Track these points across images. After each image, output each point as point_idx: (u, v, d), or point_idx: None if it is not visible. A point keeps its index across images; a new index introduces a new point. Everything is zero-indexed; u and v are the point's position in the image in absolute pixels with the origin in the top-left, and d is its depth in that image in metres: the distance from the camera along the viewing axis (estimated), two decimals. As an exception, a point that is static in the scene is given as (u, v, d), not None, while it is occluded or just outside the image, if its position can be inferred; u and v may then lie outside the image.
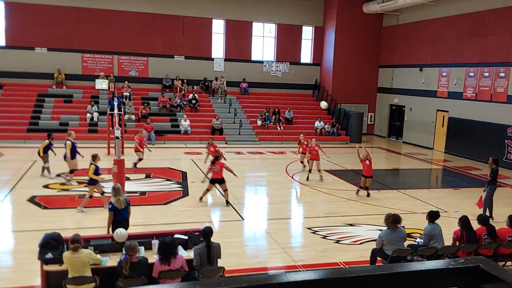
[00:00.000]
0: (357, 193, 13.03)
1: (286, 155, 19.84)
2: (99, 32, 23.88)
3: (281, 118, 24.36)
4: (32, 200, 11.32)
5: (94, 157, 10.49)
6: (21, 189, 12.24)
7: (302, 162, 16.40)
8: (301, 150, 16.29)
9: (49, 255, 6.41)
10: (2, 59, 22.66)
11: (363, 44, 26.72)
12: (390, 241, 7.39)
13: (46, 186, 12.64)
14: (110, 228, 7.76)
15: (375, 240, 8.05)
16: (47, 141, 13.69)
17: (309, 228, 10.18)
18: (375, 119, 27.88)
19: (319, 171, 14.72)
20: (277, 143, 22.78)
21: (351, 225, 10.52)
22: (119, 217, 7.78)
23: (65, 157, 13.04)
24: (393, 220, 7.40)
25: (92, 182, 10.55)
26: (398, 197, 13.45)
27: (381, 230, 8.00)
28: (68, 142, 12.98)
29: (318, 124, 24.18)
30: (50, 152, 13.76)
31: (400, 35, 25.46)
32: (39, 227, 9.15)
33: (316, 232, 9.93)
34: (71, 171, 13.07)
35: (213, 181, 11.46)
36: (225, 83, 25.20)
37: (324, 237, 9.68)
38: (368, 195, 12.90)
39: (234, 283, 1.06)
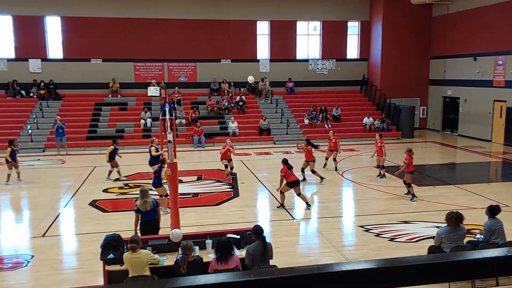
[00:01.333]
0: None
1: (337, 156, 19.61)
2: (149, 41, 24.72)
3: (328, 116, 24.15)
4: (93, 204, 11.92)
5: (163, 162, 10.69)
6: (83, 194, 12.91)
7: (334, 160, 16.29)
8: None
9: (111, 256, 6.75)
10: (60, 71, 23.98)
11: (412, 36, 25.97)
12: (449, 239, 7.15)
13: (105, 191, 13.26)
14: (138, 229, 8.03)
15: (432, 237, 7.84)
16: (112, 147, 14.32)
17: (361, 226, 10.06)
18: (427, 113, 27.00)
19: (334, 159, 15.80)
20: (325, 141, 22.54)
21: (405, 222, 10.29)
22: (145, 219, 8.02)
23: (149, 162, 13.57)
24: (455, 219, 7.11)
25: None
26: (454, 192, 12.99)
27: (438, 227, 7.79)
28: (153, 148, 13.52)
29: (367, 120, 23.75)
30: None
31: (451, 24, 24.52)
32: (100, 230, 9.64)
33: (369, 230, 9.80)
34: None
35: (291, 185, 11.18)
36: (267, 83, 25.35)
37: (378, 235, 9.54)
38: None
39: (287, 272, 1.12)
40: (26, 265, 8.13)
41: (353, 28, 27.52)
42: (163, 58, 25.14)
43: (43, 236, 9.64)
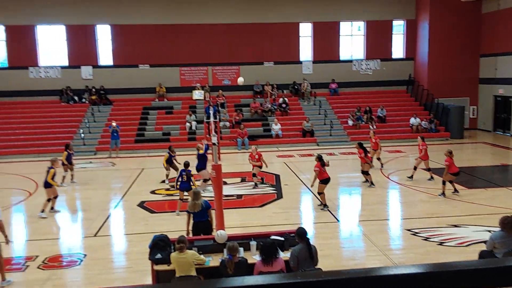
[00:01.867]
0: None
1: (380, 155, 19.24)
2: (194, 46, 25.24)
3: (373, 116, 23.71)
4: (141, 205, 12.30)
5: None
6: (132, 195, 13.35)
7: (378, 159, 16.04)
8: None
9: (158, 256, 6.94)
10: (110, 77, 24.93)
11: (460, 33, 25.06)
12: (503, 244, 6.84)
13: (153, 192, 13.65)
14: (190, 229, 8.30)
15: (484, 242, 7.55)
16: (167, 154, 14.67)
17: (408, 230, 9.82)
18: (478, 112, 25.94)
19: (378, 158, 15.65)
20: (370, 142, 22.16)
21: (455, 226, 9.95)
22: (196, 219, 8.23)
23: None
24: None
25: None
26: (507, 195, 12.42)
27: (490, 231, 7.48)
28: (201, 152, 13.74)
29: (413, 120, 23.13)
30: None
31: (503, 21, 23.46)
32: (148, 230, 9.94)
33: (417, 234, 9.55)
34: (205, 180, 13.67)
35: (325, 182, 11.33)
36: (306, 84, 25.25)
37: (426, 239, 9.28)
38: None
39: (334, 275, 1.13)
40: (79, 264, 8.50)
41: (399, 27, 26.91)
42: (207, 62, 25.59)
43: (95, 236, 10.05)
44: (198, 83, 25.48)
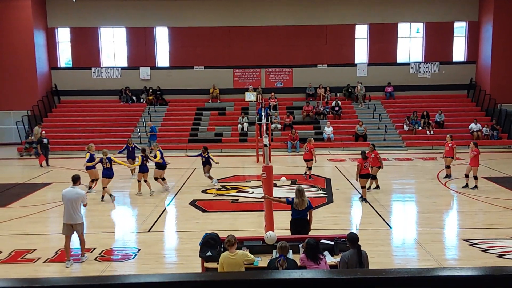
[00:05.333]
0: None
1: (437, 161, 18.56)
2: (248, 48, 25.52)
3: (430, 121, 22.88)
4: (193, 203, 12.58)
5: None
6: (184, 194, 13.68)
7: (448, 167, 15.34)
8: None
9: (209, 253, 7.07)
10: (167, 78, 25.71)
11: (528, 35, 23.66)
12: None
13: (204, 191, 13.92)
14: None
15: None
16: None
17: (466, 240, 9.38)
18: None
19: (448, 167, 15.13)
20: (426, 148, 21.45)
21: (517, 238, 9.39)
22: (296, 216, 8.21)
23: (157, 165, 14.10)
24: None
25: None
26: None
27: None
28: (157, 153, 14.05)
29: (473, 126, 22.09)
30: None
31: None
32: (199, 228, 10.14)
33: (475, 245, 9.11)
34: (156, 179, 14.01)
35: (364, 177, 12.11)
36: (359, 87, 24.78)
37: (485, 250, 8.83)
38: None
39: (371, 273, 1.12)
40: (133, 258, 8.81)
41: (460, 29, 25.82)
42: (260, 64, 25.78)
43: (148, 231, 10.38)
44: (250, 85, 25.72)
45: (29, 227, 10.56)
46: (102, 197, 12.88)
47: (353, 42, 25.84)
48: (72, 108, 25.27)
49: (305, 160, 15.40)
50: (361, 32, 25.88)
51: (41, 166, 17.68)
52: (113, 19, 25.28)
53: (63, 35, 25.83)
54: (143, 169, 13.61)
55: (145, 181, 13.64)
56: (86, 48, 25.61)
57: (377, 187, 13.74)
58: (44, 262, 8.48)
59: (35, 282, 1.21)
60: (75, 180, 8.62)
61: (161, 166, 13.91)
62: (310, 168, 15.24)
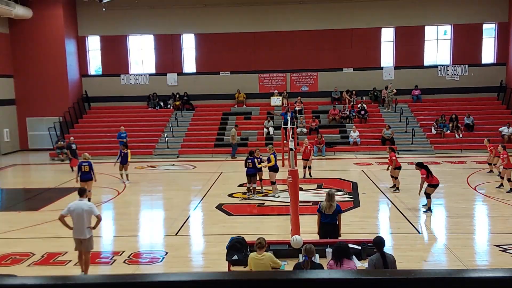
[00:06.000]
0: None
1: (467, 165, 18.17)
2: (273, 53, 25.61)
3: (459, 125, 22.40)
4: (219, 207, 12.68)
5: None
6: (211, 198, 13.81)
7: (493, 165, 15.15)
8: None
9: (235, 257, 7.13)
10: (194, 84, 26.05)
11: (563, 35, 22.93)
12: None
13: (231, 195, 14.01)
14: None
15: None
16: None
17: (497, 246, 9.15)
18: None
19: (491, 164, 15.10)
20: (455, 152, 21.00)
21: (551, 245, 9.10)
22: (325, 220, 8.20)
23: (270, 168, 13.87)
24: None
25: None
26: None
27: None
28: (272, 156, 13.78)
29: (506, 130, 21.50)
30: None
31: None
32: (225, 232, 10.21)
33: (507, 250, 8.88)
34: (273, 183, 13.83)
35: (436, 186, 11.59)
36: (386, 91, 24.48)
37: (517, 256, 8.59)
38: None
39: (400, 274, 1.13)
40: (161, 261, 8.94)
41: (489, 30, 25.23)
42: (286, 68, 25.82)
43: (175, 235, 10.53)
44: (276, 89, 25.78)
45: (60, 230, 10.81)
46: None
47: (379, 45, 25.59)
48: (101, 114, 25.87)
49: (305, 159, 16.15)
50: (387, 35, 25.61)
51: (72, 170, 18.14)
52: (142, 27, 25.80)
53: (93, 43, 26.51)
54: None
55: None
56: (115, 56, 26.20)
57: (397, 189, 13.68)
58: (74, 264, 8.71)
59: (68, 280, 1.26)
60: (82, 192, 8.31)
61: (274, 169, 13.63)
62: (309, 167, 16.21)
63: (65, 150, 21.33)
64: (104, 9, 23.85)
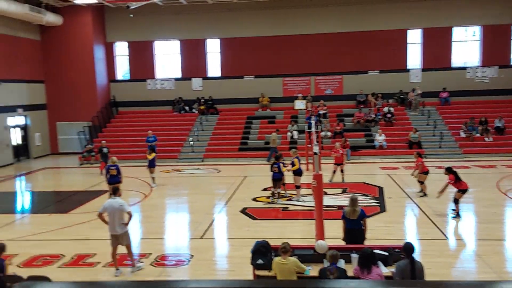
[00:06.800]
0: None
1: (497, 169, 17.69)
2: (298, 56, 25.58)
3: (489, 128, 21.85)
4: (243, 211, 12.72)
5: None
6: (235, 201, 13.87)
7: None
8: None
9: (260, 261, 7.14)
10: (218, 88, 26.26)
11: None
12: None
13: (255, 199, 14.04)
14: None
15: None
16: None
17: (529, 253, 8.88)
18: None
19: None
20: (485, 155, 20.48)
21: None
22: (350, 226, 8.13)
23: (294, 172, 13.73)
24: None
25: None
26: None
27: None
28: (295, 160, 13.68)
29: (538, 133, 20.85)
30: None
31: None
32: (250, 236, 10.24)
33: (539, 258, 8.60)
34: (298, 187, 13.77)
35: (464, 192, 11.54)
36: (413, 93, 24.08)
37: (550, 264, 8.32)
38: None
39: (431, 285, 1.13)
40: (186, 264, 9.04)
41: (520, 30, 24.57)
42: (310, 72, 25.75)
43: (200, 238, 10.62)
44: (300, 93, 25.72)
45: (89, 233, 11.11)
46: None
47: (405, 47, 25.24)
48: (128, 118, 26.34)
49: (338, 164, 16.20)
50: (414, 36, 25.24)
51: (101, 173, 18.51)
52: (167, 32, 26.19)
53: (121, 49, 27.05)
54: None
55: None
56: (142, 61, 26.66)
57: (424, 194, 13.44)
58: (103, 266, 8.90)
59: (94, 285, 1.30)
60: (115, 191, 8.82)
61: (298, 173, 13.57)
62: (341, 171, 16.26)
63: (93, 154, 21.82)
64: (131, 16, 24.31)
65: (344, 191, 14.77)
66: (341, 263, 6.81)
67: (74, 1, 22.67)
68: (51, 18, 23.93)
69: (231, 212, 12.85)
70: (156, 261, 9.15)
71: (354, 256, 6.97)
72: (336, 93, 25.77)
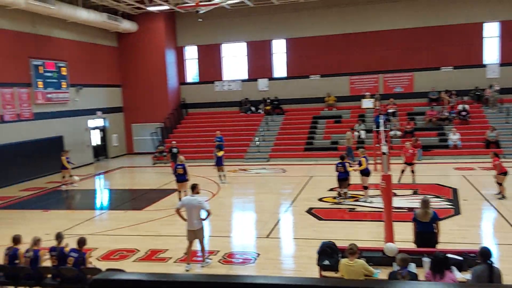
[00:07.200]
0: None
1: None
2: (365, 54, 25.01)
3: None
4: (309, 211, 12.68)
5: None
6: (301, 201, 13.86)
7: None
8: None
9: (326, 262, 7.10)
10: (284, 89, 26.35)
11: None
12: None
13: (321, 200, 13.94)
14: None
15: None
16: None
17: None
18: None
19: None
20: None
21: None
22: (421, 229, 7.86)
23: (362, 172, 13.51)
24: None
25: None
26: None
27: None
28: (363, 159, 13.43)
29: None
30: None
31: None
32: (316, 236, 10.20)
33: None
34: (366, 187, 13.49)
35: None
36: (497, 89, 22.56)
37: None
38: None
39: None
40: (253, 262, 9.18)
41: None
42: (378, 69, 25.07)
43: (267, 237, 10.74)
44: (367, 91, 25.12)
45: (162, 229, 11.64)
46: (180, 199, 13.24)
47: (480, 41, 23.81)
48: (197, 119, 27.20)
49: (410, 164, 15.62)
50: (490, 30, 23.72)
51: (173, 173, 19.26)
52: (234, 34, 26.72)
53: (190, 52, 27.99)
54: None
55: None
56: (210, 63, 27.41)
57: (503, 196, 12.68)
58: (174, 262, 9.28)
59: (168, 277, 1.40)
60: (193, 188, 9.15)
61: (366, 173, 13.33)
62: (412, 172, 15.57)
63: (164, 154, 22.78)
64: (200, 20, 25.09)
65: (415, 193, 14.24)
66: (412, 267, 6.60)
67: (148, 9, 23.79)
68: (127, 26, 25.31)
69: (297, 212, 12.86)
70: (224, 258, 9.39)
71: (426, 260, 6.72)
72: (406, 90, 24.88)
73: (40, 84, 20.49)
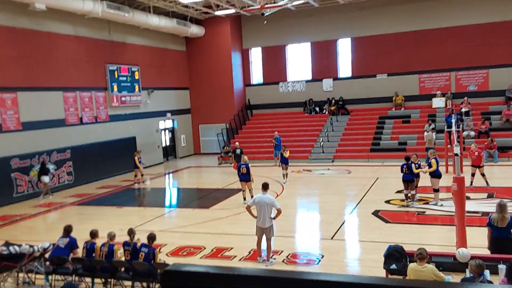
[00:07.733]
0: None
1: None
2: (436, 51, 23.96)
3: None
4: (376, 213, 12.39)
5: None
6: (366, 203, 13.58)
7: None
8: None
9: (393, 266, 6.94)
10: (349, 88, 25.92)
11: None
12: None
13: (387, 202, 13.56)
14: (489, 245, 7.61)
15: None
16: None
17: None
18: None
19: None
20: None
21: None
22: (498, 235, 7.49)
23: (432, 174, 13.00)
24: None
25: None
26: None
27: None
28: (433, 161, 12.84)
29: None
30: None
31: None
32: (382, 239, 9.94)
33: None
34: (436, 190, 12.87)
35: None
36: None
37: None
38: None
39: None
40: (317, 263, 9.14)
41: None
42: (450, 67, 23.91)
43: (331, 239, 10.65)
44: (438, 90, 24.04)
45: (227, 227, 11.92)
46: (244, 198, 13.76)
47: None
48: (262, 120, 27.47)
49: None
50: None
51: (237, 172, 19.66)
52: (299, 35, 26.69)
53: (256, 54, 28.36)
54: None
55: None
56: (275, 65, 27.59)
57: None
58: (239, 260, 9.47)
59: (234, 271, 1.48)
60: (265, 186, 9.37)
61: (436, 175, 12.78)
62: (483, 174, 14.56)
63: (229, 154, 23.27)
64: (265, 22, 25.35)
65: (490, 196, 13.44)
66: (487, 275, 6.28)
67: (215, 13, 24.43)
68: (195, 30, 26.15)
69: (363, 214, 12.63)
70: (288, 258, 9.44)
71: (502, 267, 6.37)
72: (481, 89, 23.51)
73: (115, 87, 21.75)
